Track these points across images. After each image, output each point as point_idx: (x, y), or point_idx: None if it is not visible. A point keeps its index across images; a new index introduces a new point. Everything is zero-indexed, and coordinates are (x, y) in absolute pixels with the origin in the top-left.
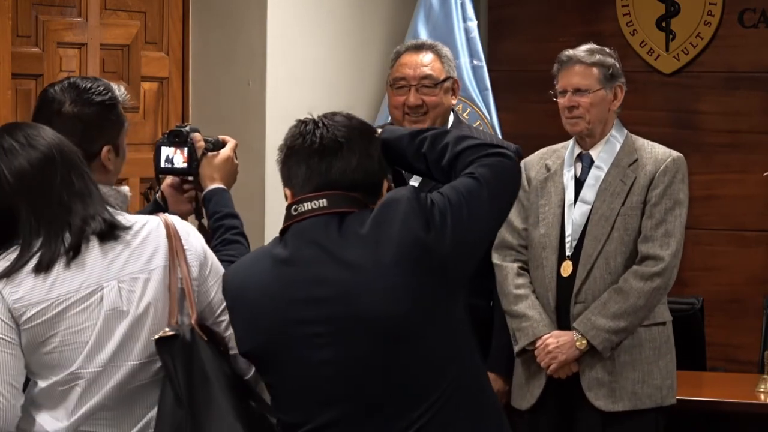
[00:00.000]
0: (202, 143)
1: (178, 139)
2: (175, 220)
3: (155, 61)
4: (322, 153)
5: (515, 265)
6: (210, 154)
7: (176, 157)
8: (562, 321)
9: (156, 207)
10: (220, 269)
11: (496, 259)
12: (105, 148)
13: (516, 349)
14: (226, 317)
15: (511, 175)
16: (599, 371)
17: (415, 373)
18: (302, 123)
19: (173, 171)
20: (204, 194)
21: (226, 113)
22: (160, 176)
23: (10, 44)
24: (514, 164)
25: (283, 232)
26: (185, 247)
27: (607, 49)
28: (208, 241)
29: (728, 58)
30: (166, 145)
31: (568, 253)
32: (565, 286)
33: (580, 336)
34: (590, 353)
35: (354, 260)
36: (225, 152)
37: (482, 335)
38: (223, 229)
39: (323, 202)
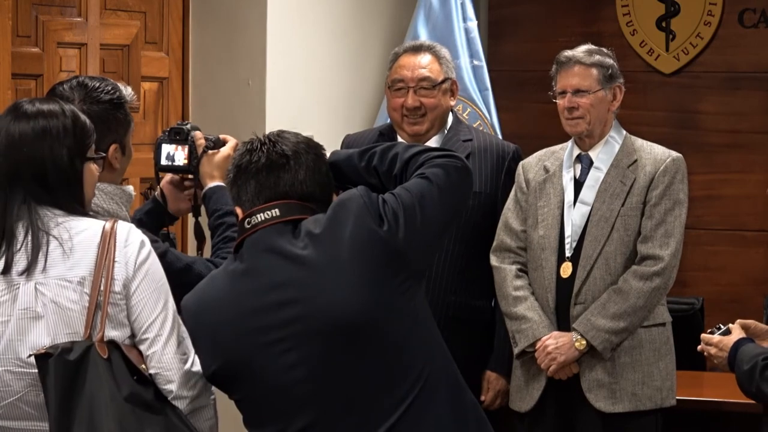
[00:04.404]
0: (202, 141)
1: (179, 136)
2: (119, 227)
3: (155, 61)
4: (270, 168)
5: (514, 267)
6: (210, 152)
7: (177, 154)
8: (562, 322)
9: (155, 205)
10: (158, 285)
11: (494, 261)
12: (112, 147)
13: (515, 351)
14: (150, 335)
15: (461, 172)
16: (599, 372)
17: (383, 364)
18: (249, 143)
19: (173, 168)
20: (204, 192)
21: (226, 113)
22: (159, 174)
23: (10, 44)
24: (464, 164)
25: (237, 248)
26: (116, 259)
27: (605, 50)
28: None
29: (728, 58)
30: (166, 143)
31: (567, 254)
32: (564, 287)
33: (579, 337)
34: (590, 354)
35: (311, 260)
36: (225, 151)
37: (484, 335)
38: (224, 227)
39: (276, 212)
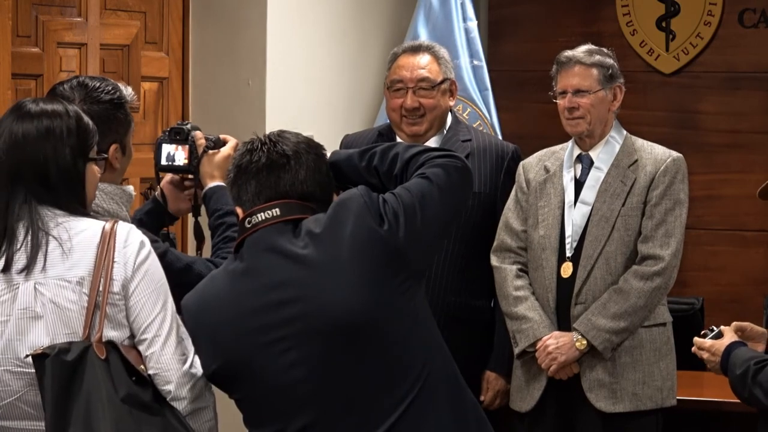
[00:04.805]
0: (203, 141)
1: (179, 136)
2: (119, 228)
3: (155, 61)
4: (270, 167)
5: (514, 267)
6: (210, 152)
7: (177, 154)
8: (562, 322)
9: (155, 205)
10: (157, 285)
11: (494, 261)
12: (112, 147)
13: (516, 351)
14: (148, 336)
15: (461, 172)
16: (600, 372)
17: (383, 364)
18: (249, 143)
19: (174, 168)
20: (204, 192)
21: (226, 113)
22: (159, 174)
23: (10, 44)
24: (464, 164)
25: (237, 248)
26: (115, 260)
27: (605, 50)
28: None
29: (728, 58)
30: (167, 143)
31: (568, 254)
32: (565, 287)
33: (580, 336)
34: (591, 354)
35: (312, 259)
36: (225, 150)
37: (484, 335)
38: (224, 227)
39: (276, 211)
